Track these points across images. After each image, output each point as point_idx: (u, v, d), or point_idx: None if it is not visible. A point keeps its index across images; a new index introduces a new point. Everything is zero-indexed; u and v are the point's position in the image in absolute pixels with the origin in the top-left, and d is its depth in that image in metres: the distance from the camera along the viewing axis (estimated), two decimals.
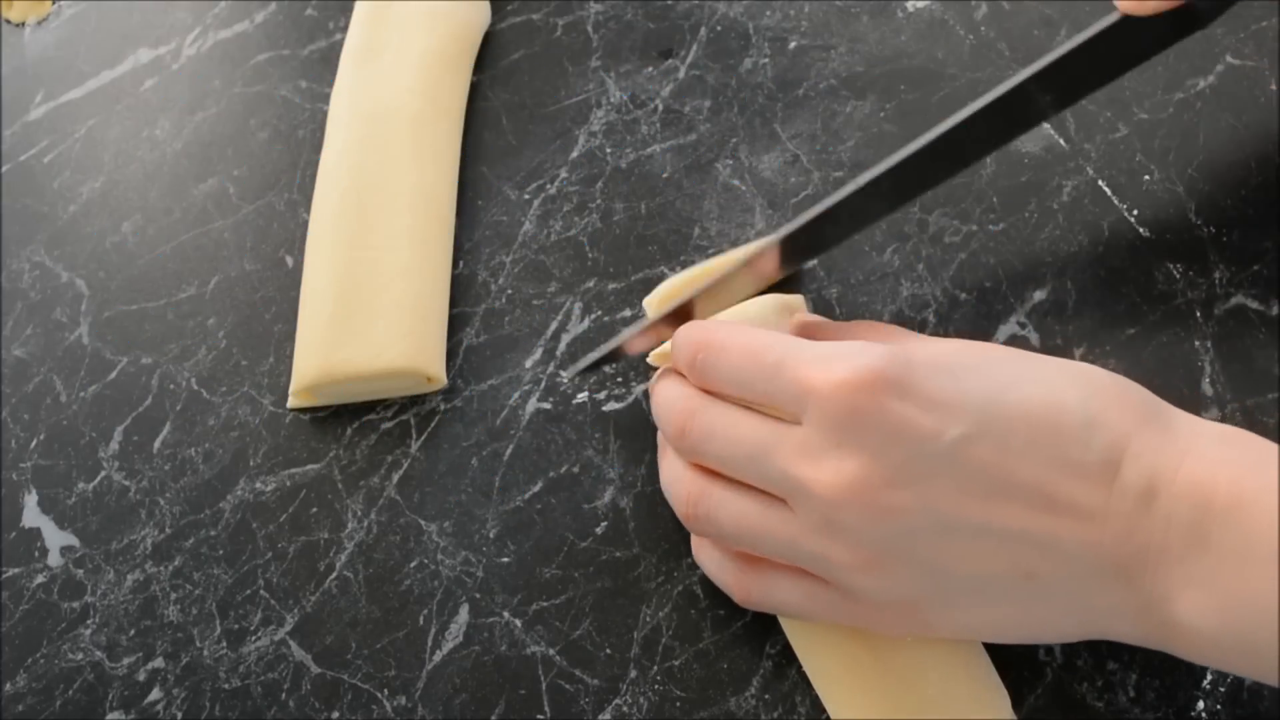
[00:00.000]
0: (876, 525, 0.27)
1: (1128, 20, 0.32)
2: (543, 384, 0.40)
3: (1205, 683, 0.32)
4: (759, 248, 0.35)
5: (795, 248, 0.35)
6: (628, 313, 0.41)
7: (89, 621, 0.37)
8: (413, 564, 0.37)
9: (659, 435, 0.36)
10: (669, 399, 0.32)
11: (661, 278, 0.40)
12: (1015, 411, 0.27)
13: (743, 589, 0.32)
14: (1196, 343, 0.37)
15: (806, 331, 0.35)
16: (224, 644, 0.36)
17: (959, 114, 0.33)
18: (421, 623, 0.36)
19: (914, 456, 0.26)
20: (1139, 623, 0.27)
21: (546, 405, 0.39)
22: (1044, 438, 0.27)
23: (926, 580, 0.28)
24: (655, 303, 0.39)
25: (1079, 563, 0.26)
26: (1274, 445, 0.26)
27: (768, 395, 0.29)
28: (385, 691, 0.35)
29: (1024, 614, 0.28)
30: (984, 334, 0.38)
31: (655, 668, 0.34)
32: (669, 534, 0.36)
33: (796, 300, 0.37)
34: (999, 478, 0.26)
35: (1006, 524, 0.26)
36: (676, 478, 0.32)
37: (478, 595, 0.36)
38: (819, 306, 0.40)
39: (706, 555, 0.33)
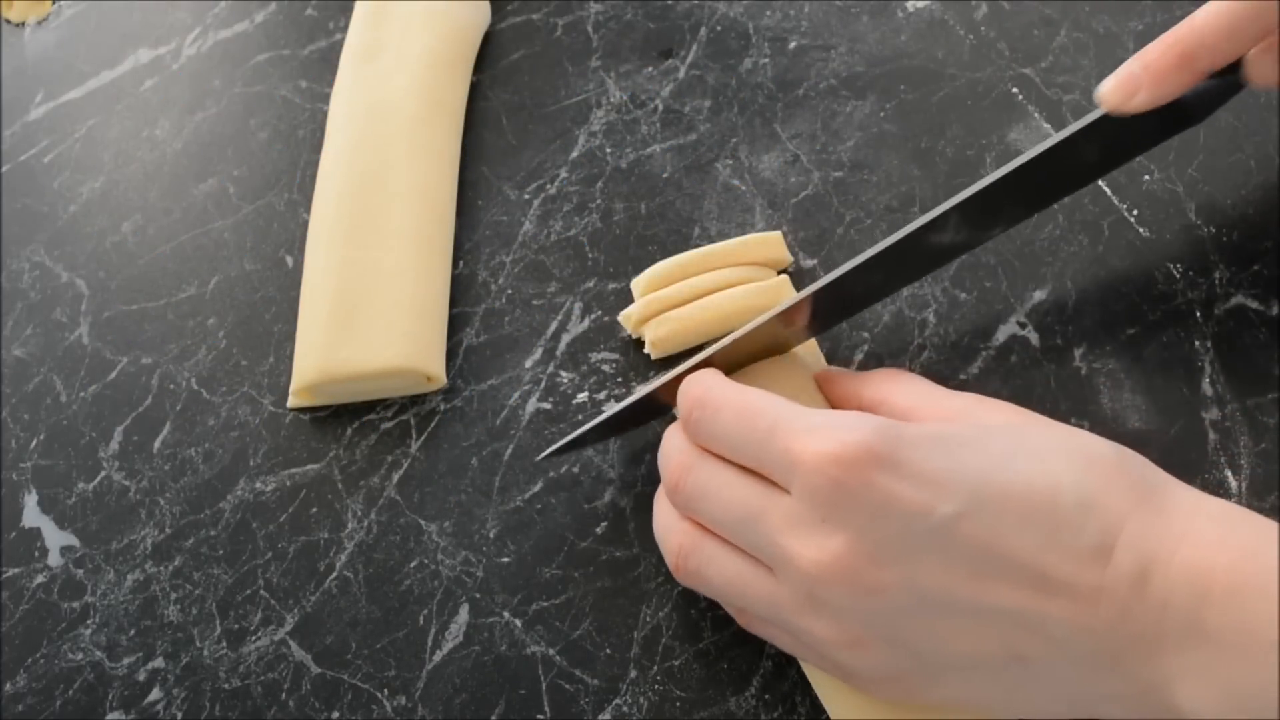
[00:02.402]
0: (860, 603, 0.26)
1: (1111, 117, 0.32)
2: (543, 384, 0.40)
3: None
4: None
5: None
6: None
7: (89, 621, 0.37)
8: (413, 564, 0.37)
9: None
10: (668, 450, 0.32)
11: None
12: (1008, 490, 0.26)
13: (744, 617, 0.32)
14: (1196, 343, 0.37)
15: (826, 385, 0.35)
16: (224, 644, 0.36)
17: (941, 207, 0.33)
18: (421, 623, 0.36)
19: (901, 534, 0.26)
20: (1136, 709, 0.26)
21: (546, 405, 0.39)
22: (1037, 517, 0.26)
23: (911, 659, 0.27)
24: (643, 285, 0.39)
25: (1070, 646, 0.26)
26: (1273, 525, 0.25)
27: (758, 461, 0.28)
28: (385, 691, 0.35)
29: (1013, 695, 0.27)
30: (984, 334, 0.38)
31: (655, 668, 0.34)
32: None
33: (810, 346, 0.37)
34: (989, 556, 0.26)
35: (996, 603, 0.26)
36: (669, 528, 0.32)
37: (478, 595, 0.36)
38: None
39: (715, 570, 0.32)
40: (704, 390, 0.30)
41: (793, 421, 0.28)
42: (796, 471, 0.27)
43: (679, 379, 0.33)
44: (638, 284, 0.39)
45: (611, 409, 0.35)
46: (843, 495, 0.26)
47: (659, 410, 0.36)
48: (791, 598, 0.28)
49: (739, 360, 0.35)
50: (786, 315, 0.33)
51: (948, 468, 0.26)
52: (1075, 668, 0.26)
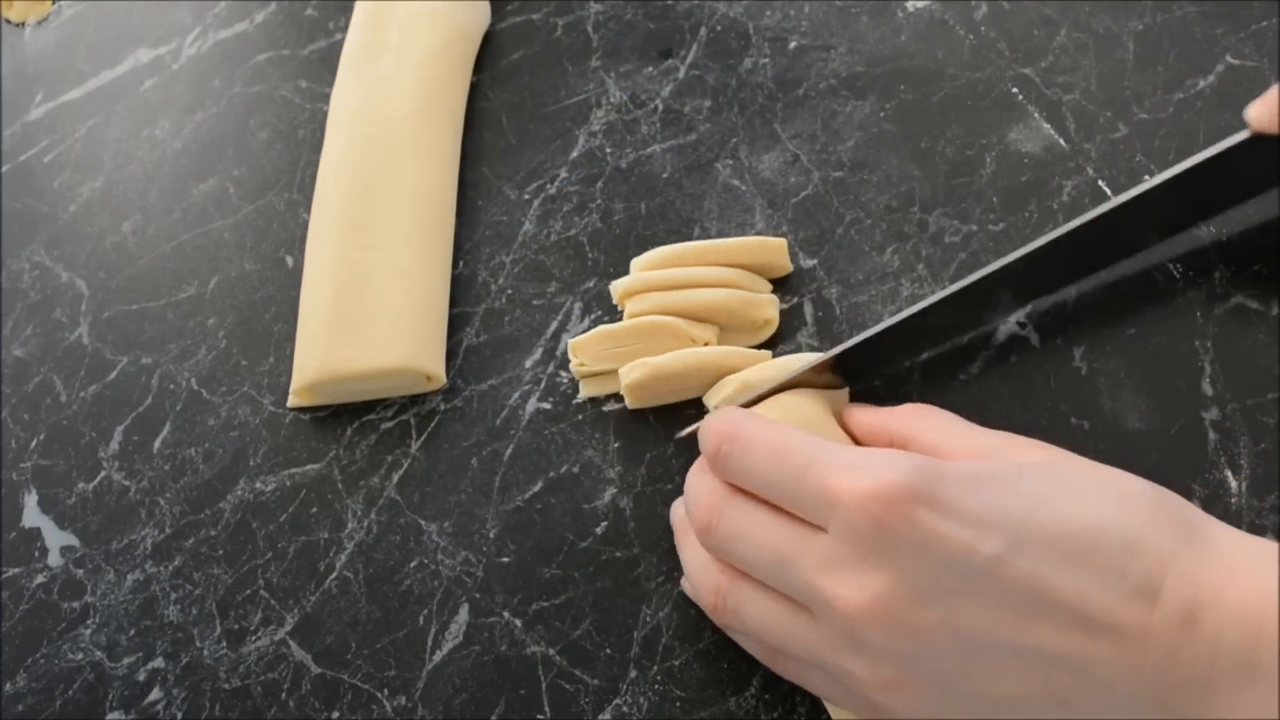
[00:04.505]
0: (901, 644, 0.26)
1: (1260, 140, 0.31)
2: (543, 384, 0.40)
3: None
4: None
5: (863, 359, 0.34)
6: None
7: (89, 621, 0.37)
8: (413, 564, 0.37)
9: (674, 512, 0.35)
10: (696, 491, 0.31)
11: None
12: (1051, 530, 0.26)
13: (778, 665, 0.31)
14: (1196, 343, 0.37)
15: (853, 420, 0.34)
16: (224, 644, 0.36)
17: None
18: (421, 623, 0.36)
19: (943, 573, 0.26)
20: None
21: (546, 405, 0.39)
22: (1081, 558, 0.25)
23: (951, 701, 0.27)
24: (640, 264, 0.40)
25: (1115, 688, 0.25)
26: None
27: (792, 499, 0.28)
28: (385, 691, 0.35)
29: None
30: (984, 334, 0.38)
31: (655, 668, 0.34)
32: (669, 534, 0.36)
33: (841, 393, 0.36)
34: (1033, 597, 0.25)
35: (1039, 645, 0.25)
36: (702, 568, 0.31)
37: (478, 595, 0.36)
38: (819, 306, 0.40)
39: (752, 611, 0.31)
40: (732, 425, 0.30)
41: (829, 458, 0.27)
42: (835, 509, 0.26)
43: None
44: (636, 263, 0.40)
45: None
46: (884, 534, 0.26)
47: None
48: (830, 639, 0.27)
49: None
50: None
51: (990, 506, 0.26)
52: (1120, 711, 0.25)
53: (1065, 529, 0.26)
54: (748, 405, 0.34)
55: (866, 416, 0.34)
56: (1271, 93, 0.32)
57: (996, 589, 0.25)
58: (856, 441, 0.34)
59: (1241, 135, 0.32)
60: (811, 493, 0.27)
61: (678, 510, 0.35)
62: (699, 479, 0.31)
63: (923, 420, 0.32)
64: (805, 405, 0.35)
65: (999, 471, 0.28)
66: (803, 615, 0.28)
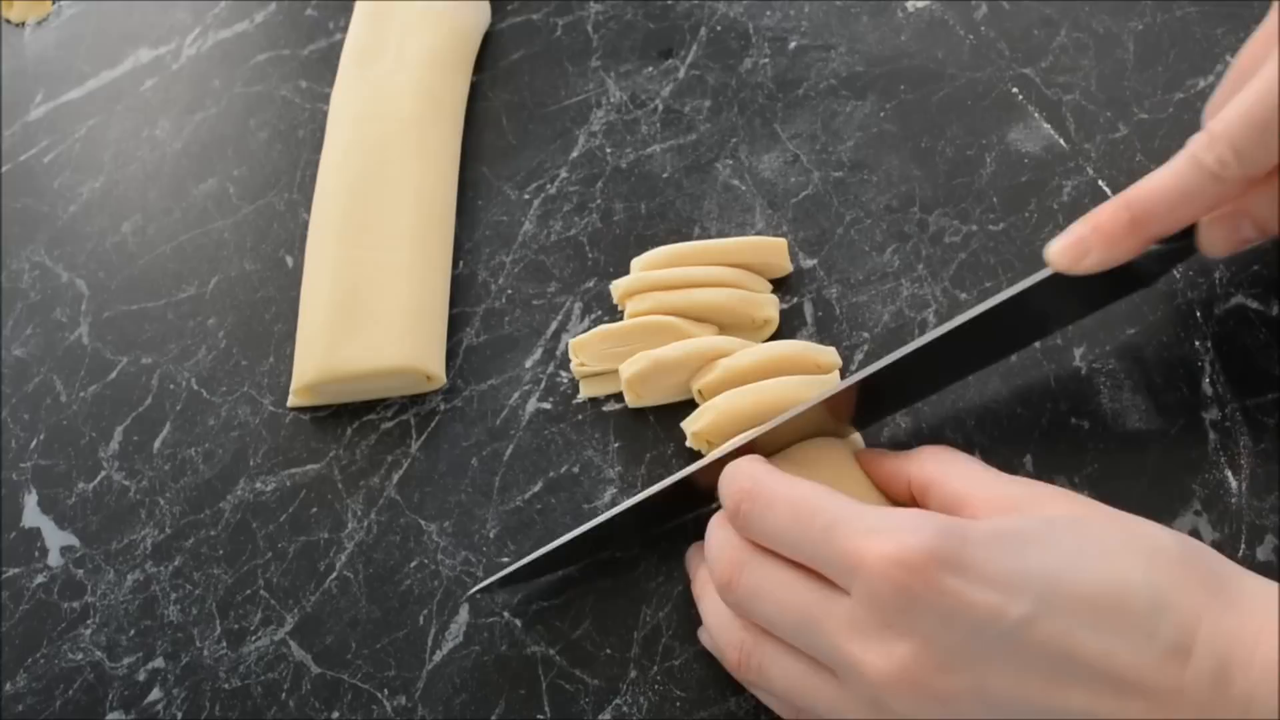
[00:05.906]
0: (929, 710, 0.26)
1: (1061, 276, 0.32)
2: (543, 384, 0.40)
3: None
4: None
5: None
6: None
7: (89, 621, 0.37)
8: (413, 564, 0.37)
9: (688, 559, 0.35)
10: (717, 544, 0.30)
11: None
12: (1079, 590, 0.26)
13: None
14: (1196, 343, 0.37)
15: (871, 465, 0.34)
16: (224, 644, 0.36)
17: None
18: (421, 623, 0.36)
19: (971, 639, 0.25)
20: None
21: (546, 405, 0.39)
22: (1110, 618, 0.25)
23: None
24: (641, 263, 0.40)
25: None
26: None
27: (815, 561, 0.27)
28: (385, 691, 0.35)
29: None
30: None
31: (655, 668, 0.34)
32: (669, 534, 0.36)
33: (854, 438, 0.36)
34: (1062, 660, 0.25)
35: (1069, 707, 0.25)
36: (725, 624, 0.31)
37: (478, 595, 0.36)
38: (819, 306, 0.40)
39: (778, 671, 0.31)
40: (752, 483, 0.29)
41: (852, 521, 0.27)
42: (858, 574, 0.26)
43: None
44: (636, 263, 0.40)
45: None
46: (908, 600, 0.25)
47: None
48: (856, 703, 0.27)
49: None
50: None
51: (1016, 568, 0.26)
52: None
53: (1093, 589, 0.26)
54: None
55: (885, 462, 0.34)
56: (1072, 231, 0.32)
57: (1025, 652, 0.25)
58: (877, 486, 0.34)
59: (1044, 273, 0.32)
60: (835, 556, 0.27)
61: (695, 560, 0.34)
62: (720, 532, 0.31)
63: (944, 467, 0.32)
64: (828, 454, 0.34)
65: (1024, 529, 0.27)
66: (828, 676, 0.28)
